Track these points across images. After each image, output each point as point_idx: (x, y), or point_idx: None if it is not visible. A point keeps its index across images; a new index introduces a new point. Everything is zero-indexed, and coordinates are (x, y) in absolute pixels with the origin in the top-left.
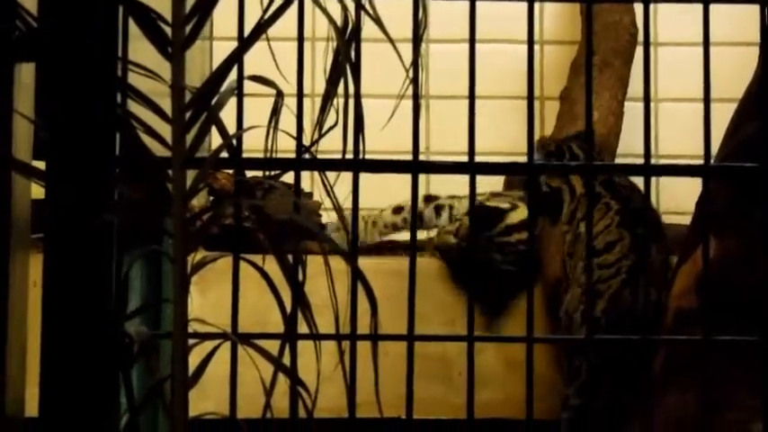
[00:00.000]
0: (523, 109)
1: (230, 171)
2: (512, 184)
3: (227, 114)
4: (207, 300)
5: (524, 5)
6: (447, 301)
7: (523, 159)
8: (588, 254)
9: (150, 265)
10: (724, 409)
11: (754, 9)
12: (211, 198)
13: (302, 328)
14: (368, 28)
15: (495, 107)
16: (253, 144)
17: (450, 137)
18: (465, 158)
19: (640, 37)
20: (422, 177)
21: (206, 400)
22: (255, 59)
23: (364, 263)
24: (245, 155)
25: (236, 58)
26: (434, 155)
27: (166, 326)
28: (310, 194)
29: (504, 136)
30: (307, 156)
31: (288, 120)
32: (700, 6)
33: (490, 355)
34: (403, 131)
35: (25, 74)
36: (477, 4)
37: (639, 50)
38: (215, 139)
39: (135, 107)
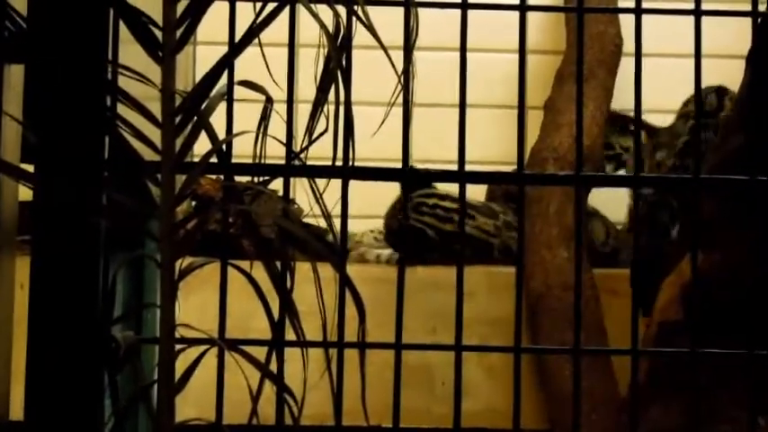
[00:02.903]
0: (508, 118)
1: (214, 177)
2: (494, 194)
3: (215, 120)
4: (189, 305)
5: (511, 15)
6: (429, 309)
7: (509, 169)
8: (577, 265)
9: (131, 268)
10: (709, 421)
11: (740, 22)
12: (194, 204)
13: (288, 334)
14: (357, 35)
15: (480, 116)
16: (240, 150)
17: (435, 145)
18: (451, 167)
19: (626, 48)
20: None
21: (187, 405)
22: (241, 66)
23: (350, 270)
24: (233, 161)
25: (225, 63)
26: (418, 163)
27: (148, 331)
28: (292, 201)
29: (488, 145)
30: (296, 162)
31: (274, 126)
32: (685, 18)
33: (472, 365)
34: (390, 139)
35: (14, 75)
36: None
37: (625, 61)
38: (199, 145)
39: (124, 110)
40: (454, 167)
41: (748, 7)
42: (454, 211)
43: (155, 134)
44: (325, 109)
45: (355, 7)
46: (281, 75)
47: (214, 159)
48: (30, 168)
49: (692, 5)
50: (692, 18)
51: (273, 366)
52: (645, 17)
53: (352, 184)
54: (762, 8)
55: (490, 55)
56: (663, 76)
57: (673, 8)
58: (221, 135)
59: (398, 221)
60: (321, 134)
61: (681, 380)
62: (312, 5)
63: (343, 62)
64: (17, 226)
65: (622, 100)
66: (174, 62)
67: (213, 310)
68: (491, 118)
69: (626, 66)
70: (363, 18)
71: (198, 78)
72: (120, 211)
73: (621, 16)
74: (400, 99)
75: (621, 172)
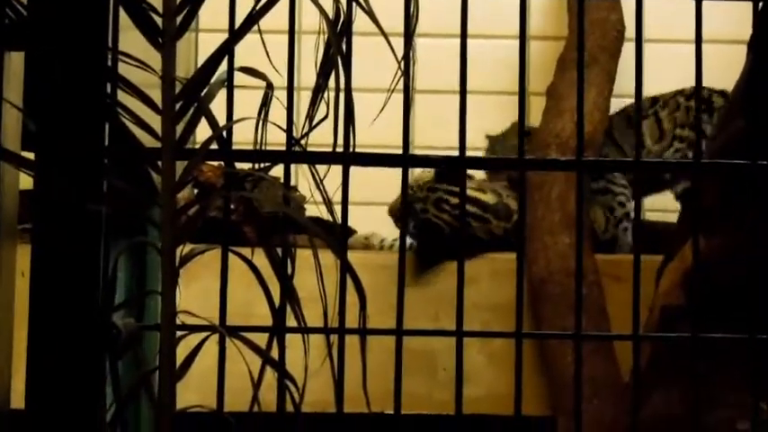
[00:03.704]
0: (508, 104)
1: (216, 163)
2: (495, 178)
3: (215, 107)
4: (191, 292)
5: (513, 1)
6: (431, 295)
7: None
8: (578, 251)
9: (133, 255)
10: (710, 406)
11: (741, 6)
12: (196, 191)
13: (289, 321)
14: (357, 21)
15: (479, 102)
16: (241, 137)
17: (434, 131)
18: (451, 152)
19: (628, 33)
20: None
21: (187, 392)
22: (241, 53)
23: (351, 257)
24: (233, 147)
25: (226, 49)
26: (418, 149)
27: (150, 317)
28: (294, 188)
29: (488, 131)
30: (296, 148)
31: (274, 113)
32: (687, 3)
33: (474, 351)
34: (390, 125)
35: (15, 63)
36: None
37: (627, 47)
38: (200, 132)
39: (124, 97)
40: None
41: None
42: (472, 216)
43: (155, 121)
44: (327, 96)
45: None
46: (283, 61)
47: (215, 146)
48: (30, 156)
49: None
50: (693, 3)
51: (275, 353)
52: (646, 2)
53: (354, 170)
54: None
55: (493, 41)
56: (665, 61)
57: None
58: (223, 122)
59: (415, 215)
60: (321, 120)
61: (682, 365)
62: None
63: (344, 48)
64: (18, 214)
65: (625, 86)
66: (175, 49)
67: (215, 296)
68: (494, 104)
69: (628, 51)
70: (363, 4)
71: (200, 65)
72: (121, 198)
73: (623, 2)
74: (401, 85)
75: None
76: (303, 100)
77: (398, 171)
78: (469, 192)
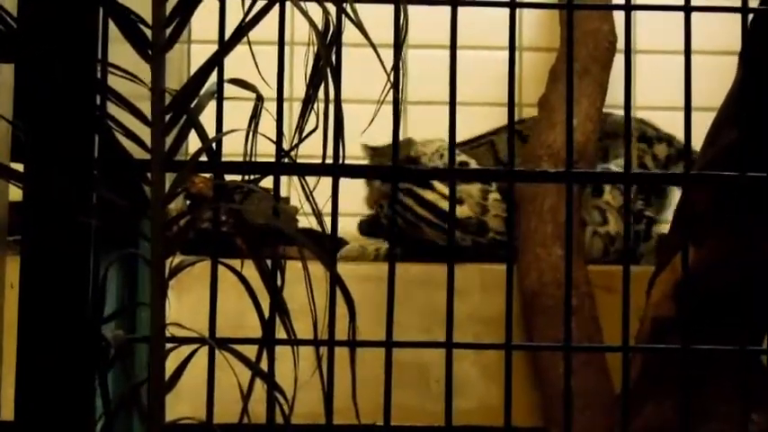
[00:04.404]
0: (499, 115)
1: (207, 175)
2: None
3: (205, 118)
4: (183, 304)
5: (503, 12)
6: (424, 308)
7: None
8: (567, 262)
9: (125, 268)
10: (701, 418)
11: (733, 18)
12: (188, 202)
13: (279, 333)
14: (347, 33)
15: (470, 113)
16: (231, 148)
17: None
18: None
19: (620, 45)
20: None
21: (180, 403)
22: (232, 64)
23: (342, 268)
24: (223, 159)
25: (216, 60)
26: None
27: (142, 330)
28: (287, 199)
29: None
30: (286, 160)
31: (265, 124)
32: (679, 15)
33: (467, 363)
34: (380, 137)
35: (4, 74)
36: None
37: (619, 57)
38: (191, 144)
39: (114, 109)
40: None
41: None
42: (425, 222)
43: (145, 133)
44: (318, 107)
45: (345, 5)
46: (275, 73)
47: (205, 158)
48: (20, 168)
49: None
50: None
51: (265, 365)
52: (639, 14)
53: (344, 181)
54: (753, 4)
55: (483, 52)
56: (657, 72)
57: (662, 4)
58: (213, 133)
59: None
60: (311, 132)
61: (674, 376)
62: (302, 3)
63: (333, 60)
64: (8, 226)
65: (617, 97)
66: (164, 60)
67: (207, 308)
68: (484, 115)
69: (620, 63)
70: (352, 15)
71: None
72: (111, 209)
73: (615, 13)
74: (391, 96)
75: None
76: (295, 111)
77: None
78: (430, 196)
